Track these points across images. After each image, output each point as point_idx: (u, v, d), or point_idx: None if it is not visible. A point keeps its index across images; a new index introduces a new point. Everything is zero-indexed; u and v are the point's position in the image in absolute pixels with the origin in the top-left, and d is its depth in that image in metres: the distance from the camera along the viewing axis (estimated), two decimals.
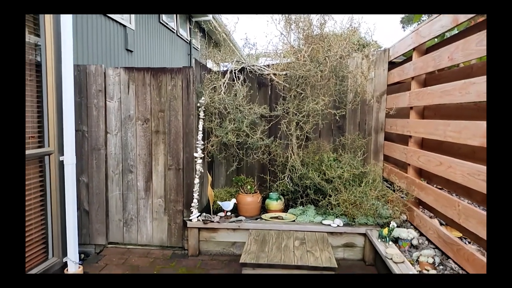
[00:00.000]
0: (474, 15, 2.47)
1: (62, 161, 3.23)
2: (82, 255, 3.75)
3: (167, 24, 8.46)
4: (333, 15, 3.86)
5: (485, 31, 2.21)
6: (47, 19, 3.07)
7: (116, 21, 5.98)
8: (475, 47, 2.35)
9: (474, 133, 2.32)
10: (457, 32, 3.17)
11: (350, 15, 3.82)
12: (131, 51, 6.59)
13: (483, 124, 2.22)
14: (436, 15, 2.98)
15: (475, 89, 2.31)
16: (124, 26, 6.30)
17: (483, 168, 2.23)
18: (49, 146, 3.19)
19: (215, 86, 3.90)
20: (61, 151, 3.23)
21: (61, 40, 3.13)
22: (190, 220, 3.78)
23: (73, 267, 3.26)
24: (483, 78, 2.22)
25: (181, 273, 3.39)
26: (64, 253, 3.31)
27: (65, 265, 3.29)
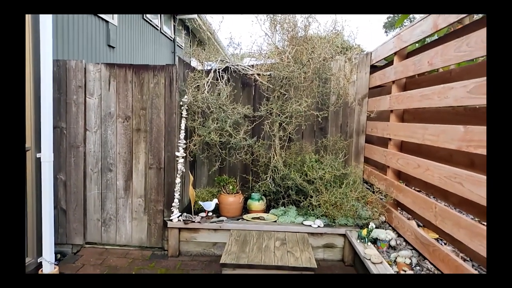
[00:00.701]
0: (453, 22, 2.54)
1: (39, 158, 3.14)
2: (59, 255, 3.65)
3: (151, 21, 8.34)
4: (317, 17, 3.89)
5: (463, 38, 2.28)
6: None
7: (99, 17, 5.85)
8: (453, 53, 2.41)
9: (452, 137, 2.38)
10: (437, 37, 3.26)
11: (334, 17, 3.86)
12: (113, 47, 6.47)
13: (460, 128, 2.28)
14: (418, 19, 3.04)
15: (453, 94, 2.38)
16: (107, 21, 6.17)
17: (459, 171, 2.29)
18: (25, 142, 3.10)
19: (198, 85, 3.87)
20: (38, 148, 3.14)
21: (40, 33, 3.04)
22: (171, 220, 3.74)
23: (48, 268, 3.17)
24: (461, 83, 2.28)
25: (160, 273, 3.34)
26: (39, 253, 3.22)
27: (40, 265, 3.20)
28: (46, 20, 3.03)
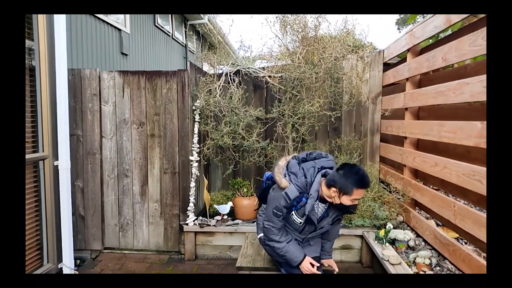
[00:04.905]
0: (467, 15, 2.48)
1: (57, 166, 3.21)
2: (78, 261, 3.72)
3: (162, 27, 8.45)
4: (327, 17, 3.85)
5: (478, 31, 2.22)
6: (41, 23, 3.04)
7: (111, 25, 5.96)
8: (468, 47, 2.35)
9: (469, 133, 2.32)
10: (451, 32, 3.19)
11: (344, 16, 3.81)
12: (126, 55, 6.57)
13: (477, 124, 2.22)
14: (430, 15, 2.98)
15: (469, 89, 2.32)
16: (119, 29, 6.28)
17: (478, 168, 2.23)
18: (43, 151, 3.16)
19: (210, 89, 3.89)
20: (55, 156, 3.21)
21: (55, 44, 3.11)
22: (187, 224, 3.76)
23: (69, 273, 3.23)
24: (477, 78, 2.22)
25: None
26: (59, 259, 3.28)
27: (60, 271, 3.26)
28: (60, 30, 3.11)
